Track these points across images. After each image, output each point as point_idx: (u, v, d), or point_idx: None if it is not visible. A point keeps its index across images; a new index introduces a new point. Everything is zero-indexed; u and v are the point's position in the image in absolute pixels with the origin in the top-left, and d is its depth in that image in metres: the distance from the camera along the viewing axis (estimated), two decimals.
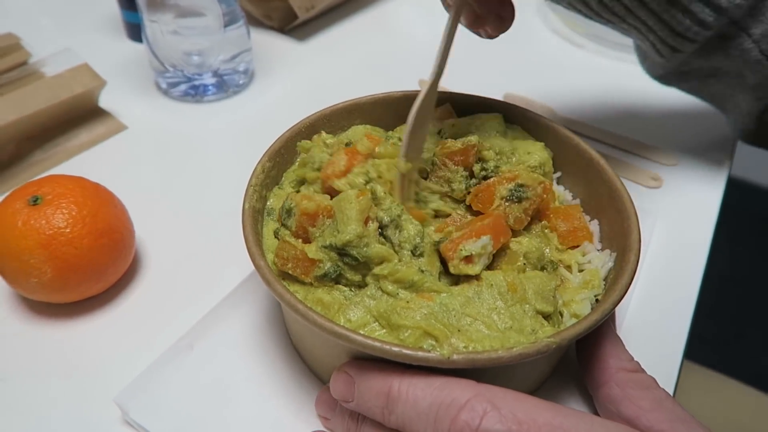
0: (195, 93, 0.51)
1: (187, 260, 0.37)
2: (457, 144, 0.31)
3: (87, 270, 0.32)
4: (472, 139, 0.31)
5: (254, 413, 0.29)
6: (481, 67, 0.54)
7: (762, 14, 0.34)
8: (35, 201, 0.32)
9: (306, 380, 0.30)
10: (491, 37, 0.33)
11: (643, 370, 0.28)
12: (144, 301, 0.35)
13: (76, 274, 0.32)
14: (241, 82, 0.53)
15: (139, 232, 0.37)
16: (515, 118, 0.35)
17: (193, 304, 0.34)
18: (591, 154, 0.33)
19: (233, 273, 0.35)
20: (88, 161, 0.44)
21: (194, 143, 0.47)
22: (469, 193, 0.30)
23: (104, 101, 0.48)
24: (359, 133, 0.34)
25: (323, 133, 0.32)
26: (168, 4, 0.45)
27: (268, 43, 0.59)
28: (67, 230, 0.31)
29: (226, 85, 0.52)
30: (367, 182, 0.29)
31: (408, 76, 0.54)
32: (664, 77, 0.41)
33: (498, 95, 0.50)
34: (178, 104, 0.51)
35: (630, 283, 0.27)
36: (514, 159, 0.32)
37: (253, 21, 0.60)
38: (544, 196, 0.30)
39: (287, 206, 0.28)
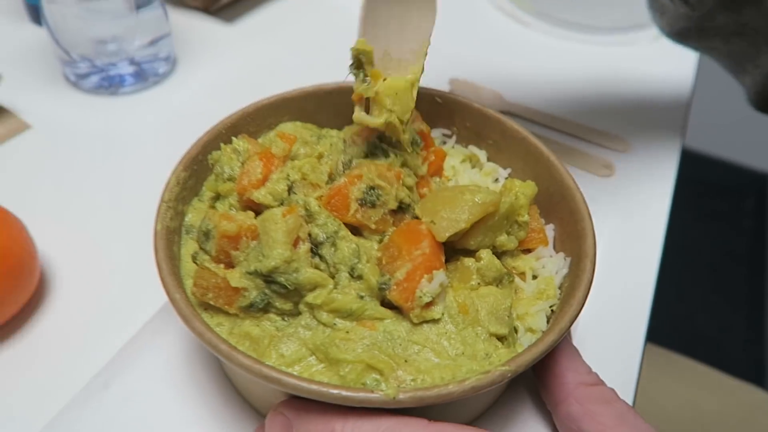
0: (109, 84, 0.46)
1: (100, 282, 0.33)
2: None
3: None
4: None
5: None
6: None
7: None
8: None
9: (243, 415, 0.27)
10: None
11: (602, 383, 0.27)
12: (51, 334, 0.31)
13: None
14: (161, 70, 0.48)
15: (44, 252, 0.32)
16: (460, 112, 0.33)
17: (108, 333, 0.30)
18: (541, 150, 0.30)
19: (155, 295, 0.31)
20: None
21: (109, 143, 0.42)
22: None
23: (2, 96, 0.43)
24: (271, 136, 0.31)
25: (235, 140, 0.28)
26: None
27: (192, 26, 0.54)
28: None
29: (144, 74, 0.47)
30: (289, 188, 0.26)
31: (346, 61, 0.50)
32: (681, 33, 0.38)
33: (443, 81, 0.48)
34: (89, 98, 0.46)
35: (587, 295, 0.25)
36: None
37: (175, 1, 0.55)
38: (413, 223, 0.26)
39: (204, 228, 0.25)
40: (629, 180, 0.41)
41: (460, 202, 0.26)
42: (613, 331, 0.32)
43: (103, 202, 0.38)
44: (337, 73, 0.34)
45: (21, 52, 0.49)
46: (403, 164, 0.28)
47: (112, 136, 0.43)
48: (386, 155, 0.28)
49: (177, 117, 0.45)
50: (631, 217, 0.39)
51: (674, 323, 1.51)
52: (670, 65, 0.51)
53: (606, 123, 0.45)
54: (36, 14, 0.52)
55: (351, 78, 0.29)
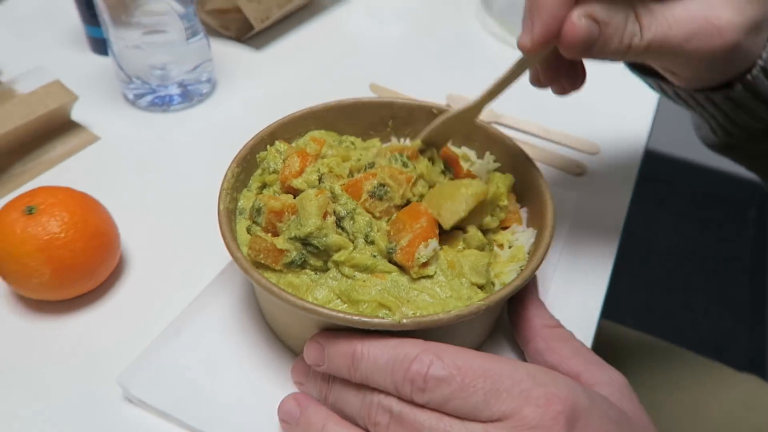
0: (161, 103, 0.55)
1: (166, 258, 0.42)
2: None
3: (81, 269, 0.36)
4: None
5: (238, 384, 0.34)
6: (426, 69, 0.60)
7: None
8: (30, 211, 0.35)
9: (281, 354, 0.35)
10: (563, 93, 0.35)
11: (562, 326, 0.34)
12: (132, 295, 0.39)
13: (71, 274, 0.36)
14: (204, 91, 0.57)
15: (122, 235, 0.41)
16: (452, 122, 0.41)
17: (175, 296, 0.38)
18: (516, 149, 0.38)
19: (209, 268, 0.40)
20: (65, 172, 0.48)
21: (163, 150, 0.51)
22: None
23: (76, 114, 0.52)
24: (305, 140, 0.39)
25: (277, 143, 0.37)
26: (132, 22, 0.49)
27: (228, 53, 0.63)
28: (62, 235, 0.35)
29: (190, 94, 0.56)
30: (319, 178, 0.34)
31: (360, 79, 0.58)
32: (715, 147, 0.43)
33: (441, 95, 0.56)
34: (145, 114, 0.55)
35: (545, 253, 0.32)
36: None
37: (212, 32, 0.64)
38: (410, 194, 0.34)
39: (257, 206, 0.33)
40: (597, 178, 0.49)
41: (458, 195, 0.33)
42: (576, 292, 0.40)
43: (162, 197, 0.46)
44: (351, 88, 0.42)
45: (87, 77, 0.58)
46: (421, 176, 0.35)
47: (164, 145, 0.52)
48: (405, 165, 0.35)
49: (217, 130, 0.54)
50: (597, 207, 0.47)
51: (679, 330, 1.56)
52: (636, 80, 0.59)
53: (580, 129, 0.53)
54: (96, 45, 0.61)
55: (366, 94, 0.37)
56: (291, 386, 0.34)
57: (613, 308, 0.69)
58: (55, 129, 0.50)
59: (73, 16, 0.61)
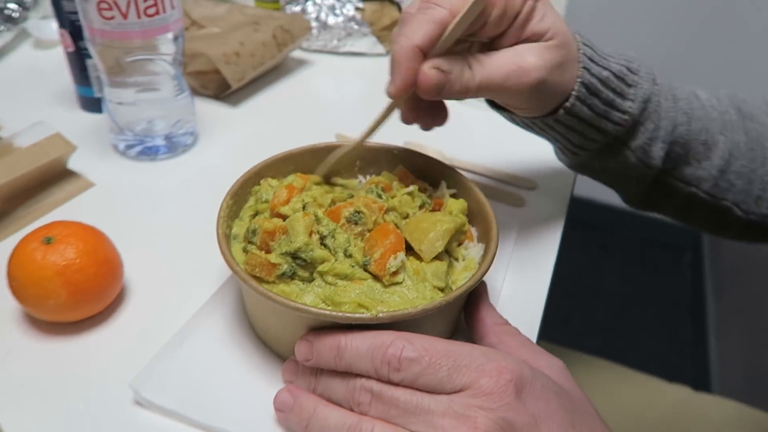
0: (149, 153, 0.61)
1: (163, 284, 0.47)
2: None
3: (93, 292, 0.41)
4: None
5: (236, 385, 0.39)
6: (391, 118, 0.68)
7: (638, 133, 0.47)
8: (48, 241, 0.40)
9: (270, 360, 0.41)
10: (428, 128, 0.44)
11: (510, 324, 0.41)
12: (135, 315, 0.44)
13: (84, 296, 0.41)
14: (188, 142, 0.63)
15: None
16: (411, 158, 0.48)
17: (173, 315, 0.43)
18: (466, 181, 0.46)
19: (202, 291, 0.45)
20: (64, 215, 0.53)
21: (152, 194, 0.57)
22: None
23: (72, 164, 0.57)
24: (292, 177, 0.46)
25: (269, 179, 0.44)
26: (128, 82, 0.56)
27: (208, 109, 0.70)
28: (78, 260, 0.40)
29: (175, 145, 0.62)
30: (303, 207, 0.41)
31: (327, 130, 0.66)
32: (572, 167, 0.54)
33: (400, 141, 0.64)
34: (134, 163, 0.61)
35: (491, 262, 0.39)
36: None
37: (193, 91, 0.71)
38: (381, 220, 0.40)
39: (252, 228, 0.39)
40: (534, 209, 0.57)
41: (436, 230, 0.40)
42: (521, 296, 0.47)
43: (153, 233, 0.52)
44: (319, 137, 0.50)
45: (79, 132, 0.63)
46: (392, 208, 0.42)
47: (153, 189, 0.57)
48: (380, 197, 0.42)
49: (200, 176, 0.60)
50: (537, 229, 0.55)
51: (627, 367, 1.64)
52: None
53: (519, 169, 0.62)
54: (86, 103, 0.67)
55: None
56: (281, 385, 0.39)
57: (565, 349, 0.76)
58: (53, 177, 0.55)
59: (63, 77, 0.67)
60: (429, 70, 0.37)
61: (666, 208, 0.55)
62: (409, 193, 0.44)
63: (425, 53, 0.38)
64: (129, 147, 0.60)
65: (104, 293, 0.42)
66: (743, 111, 0.54)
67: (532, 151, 0.66)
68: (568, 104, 0.44)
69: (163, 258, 0.49)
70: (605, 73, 0.44)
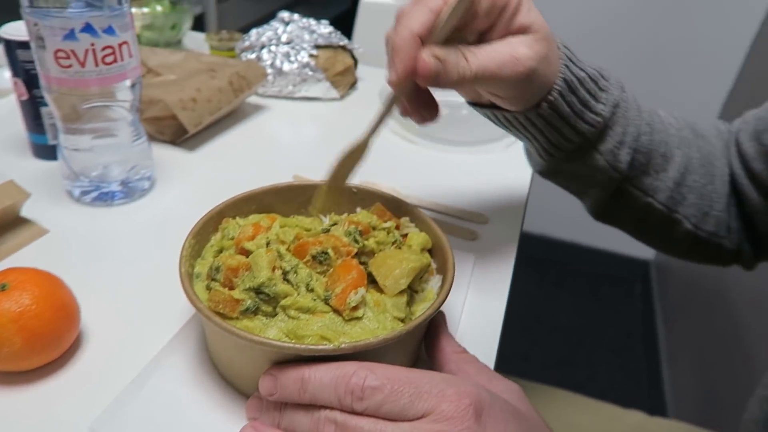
0: (105, 198, 0.61)
1: (121, 328, 0.46)
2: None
3: (49, 337, 0.40)
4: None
5: (198, 424, 0.39)
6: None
7: (607, 136, 0.50)
8: (3, 287, 0.40)
9: (233, 398, 0.41)
10: (423, 122, 0.45)
11: (468, 352, 0.42)
12: (93, 360, 0.43)
13: (40, 342, 0.40)
14: (145, 187, 0.63)
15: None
16: (370, 196, 0.50)
17: (133, 358, 0.43)
18: (424, 217, 0.48)
19: (161, 333, 0.45)
20: (18, 262, 0.52)
21: (108, 240, 0.56)
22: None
23: (25, 211, 0.56)
24: (258, 216, 0.47)
25: (237, 218, 0.45)
26: (85, 128, 0.56)
27: (164, 154, 0.70)
28: (33, 306, 0.40)
29: (131, 191, 0.62)
30: (267, 243, 0.42)
31: (283, 172, 0.68)
32: (544, 173, 0.56)
33: (356, 180, 0.66)
34: (90, 209, 0.60)
35: (447, 293, 0.41)
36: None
37: (149, 137, 0.71)
38: (347, 258, 0.41)
39: (215, 265, 0.40)
40: (487, 242, 0.60)
41: (402, 267, 0.41)
42: (478, 326, 0.49)
43: (109, 280, 0.51)
44: (277, 179, 0.51)
45: (32, 179, 0.63)
46: (362, 252, 0.43)
47: (109, 235, 0.57)
48: (356, 241, 0.43)
49: (157, 221, 0.60)
50: (489, 266, 0.57)
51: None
52: (516, 167, 0.73)
53: (471, 204, 0.65)
54: (39, 151, 0.67)
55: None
56: (245, 423, 0.39)
57: (525, 381, 0.78)
58: (6, 224, 0.54)
59: (16, 124, 0.67)
60: (428, 58, 0.39)
61: (624, 219, 0.59)
62: (385, 229, 0.45)
63: (423, 42, 0.40)
64: (84, 193, 0.60)
65: (61, 339, 0.41)
66: (696, 130, 0.58)
67: (482, 187, 0.69)
68: (551, 97, 0.46)
69: (121, 302, 0.49)
70: (582, 74, 0.47)
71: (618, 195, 0.55)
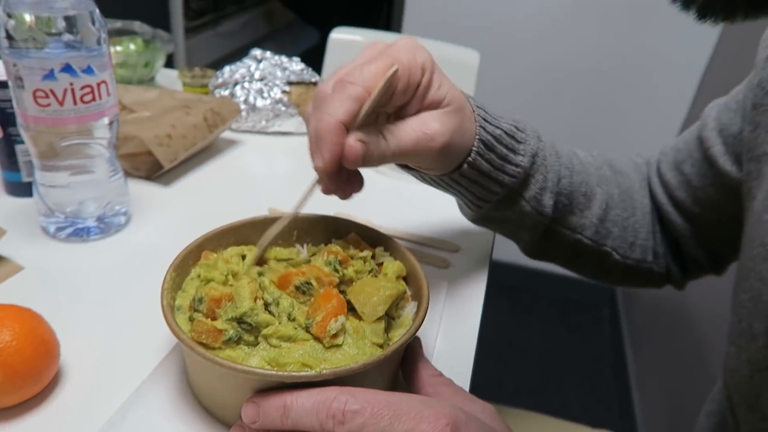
0: (81, 234, 0.61)
1: (100, 363, 0.46)
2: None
3: (30, 373, 0.40)
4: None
5: None
6: (316, 194, 0.72)
7: (530, 184, 0.53)
8: None
9: (216, 428, 0.41)
10: (348, 197, 0.47)
11: (443, 375, 0.44)
12: (74, 395, 0.43)
13: (20, 378, 0.40)
14: (120, 222, 0.64)
15: None
16: (345, 226, 0.52)
17: (113, 392, 0.43)
18: (398, 246, 0.50)
19: (141, 367, 0.45)
20: None
21: (85, 274, 0.57)
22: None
23: (1, 248, 0.56)
24: (237, 249, 0.48)
25: (227, 250, 0.46)
26: (62, 165, 0.57)
27: (140, 189, 0.71)
28: (14, 342, 0.40)
29: (107, 226, 0.62)
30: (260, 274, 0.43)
31: (257, 205, 0.69)
32: (476, 221, 0.59)
33: (331, 212, 0.68)
34: (65, 244, 0.60)
35: (423, 318, 0.42)
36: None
37: (127, 173, 0.72)
38: (330, 289, 0.42)
39: (199, 296, 0.41)
40: (459, 270, 0.62)
41: (379, 294, 0.43)
42: (453, 350, 0.50)
43: (86, 315, 0.51)
44: (253, 213, 0.52)
45: (8, 216, 0.63)
46: (342, 281, 0.45)
47: (85, 270, 0.57)
48: (336, 270, 0.45)
49: (134, 255, 0.60)
50: (461, 292, 0.59)
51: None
52: None
53: (442, 233, 0.67)
54: (13, 189, 0.67)
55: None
56: None
57: (500, 406, 0.80)
58: None
59: None
60: (355, 143, 0.41)
61: (557, 255, 0.62)
62: (362, 258, 0.47)
63: (347, 128, 0.42)
64: (60, 229, 0.60)
65: (41, 375, 0.41)
66: (614, 167, 0.62)
67: (453, 216, 0.71)
68: (470, 158, 0.49)
69: (100, 337, 0.49)
70: (498, 132, 0.50)
71: (549, 235, 0.58)
